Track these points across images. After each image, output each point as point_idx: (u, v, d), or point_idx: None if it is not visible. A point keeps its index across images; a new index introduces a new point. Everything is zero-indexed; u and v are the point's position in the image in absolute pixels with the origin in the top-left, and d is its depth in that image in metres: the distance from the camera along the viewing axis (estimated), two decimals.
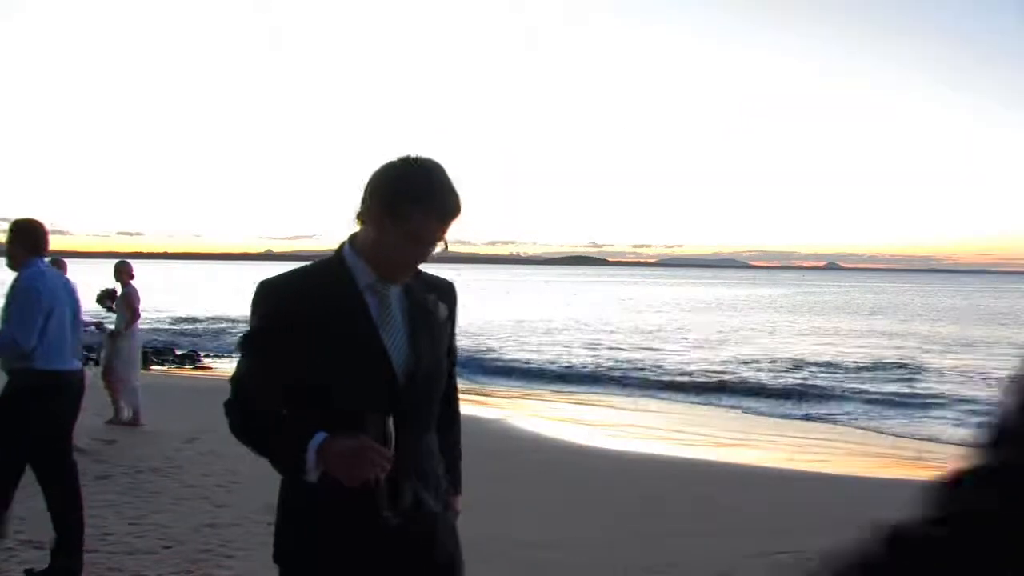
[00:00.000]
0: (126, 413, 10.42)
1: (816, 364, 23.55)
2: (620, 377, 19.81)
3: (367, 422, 2.02)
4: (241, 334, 2.26)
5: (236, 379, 2.22)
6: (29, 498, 6.89)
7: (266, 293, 2.14)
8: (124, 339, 10.36)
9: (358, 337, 2.12)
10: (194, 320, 35.73)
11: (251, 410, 2.19)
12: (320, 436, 2.04)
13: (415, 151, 2.15)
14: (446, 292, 2.33)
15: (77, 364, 5.27)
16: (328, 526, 2.15)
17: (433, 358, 2.22)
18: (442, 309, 2.26)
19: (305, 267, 2.26)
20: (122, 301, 10.38)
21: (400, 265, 2.16)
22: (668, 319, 43.99)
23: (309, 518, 2.18)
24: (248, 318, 2.18)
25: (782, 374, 21.30)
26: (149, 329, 29.36)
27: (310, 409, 2.11)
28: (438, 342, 2.25)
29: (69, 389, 5.14)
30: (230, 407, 2.22)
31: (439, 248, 2.16)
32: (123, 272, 10.53)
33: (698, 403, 16.68)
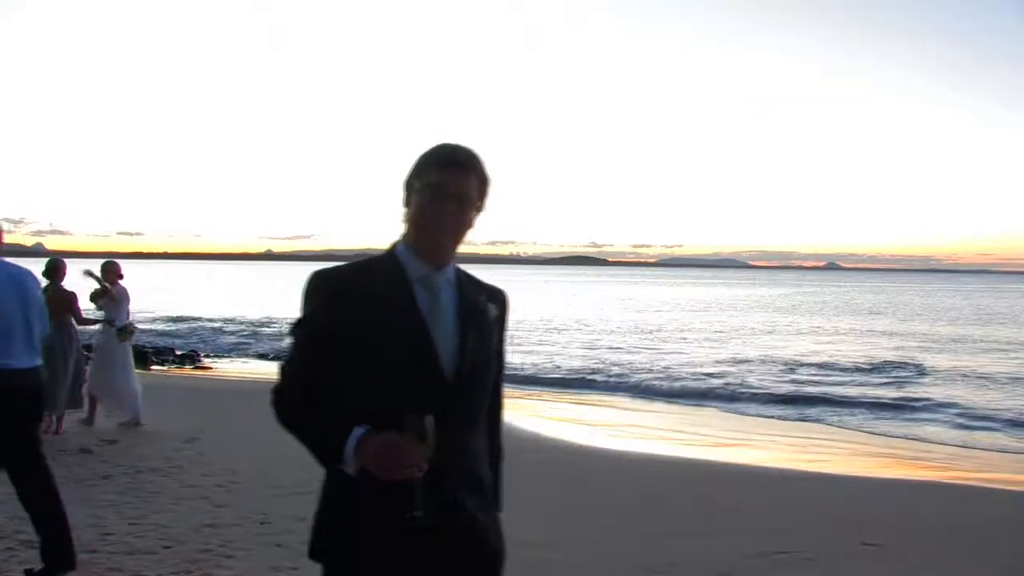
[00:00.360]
0: (126, 416, 10.36)
1: (815, 365, 23.56)
2: (617, 382, 19.61)
3: (406, 419, 2.00)
4: (290, 323, 2.25)
5: (284, 366, 2.23)
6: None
7: (318, 283, 2.18)
8: (110, 339, 10.32)
9: (406, 330, 2.14)
10: (193, 319, 35.70)
11: (296, 398, 2.18)
12: (360, 429, 2.04)
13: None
14: (497, 297, 2.35)
15: (29, 361, 4.87)
16: (365, 521, 2.13)
17: (481, 356, 2.23)
18: (492, 309, 2.28)
19: (358, 261, 2.30)
20: (109, 302, 10.40)
21: (430, 228, 2.19)
22: (667, 319, 44.00)
23: (347, 513, 2.17)
24: (300, 308, 2.18)
25: (781, 375, 21.30)
26: (145, 329, 29.34)
27: (356, 400, 2.12)
28: (486, 341, 2.26)
29: (16, 389, 4.74)
30: (277, 394, 2.21)
31: (469, 210, 2.21)
32: (111, 272, 10.52)
33: (695, 406, 16.65)
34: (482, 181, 2.26)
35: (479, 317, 2.24)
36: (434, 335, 2.15)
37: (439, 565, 2.15)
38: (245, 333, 30.48)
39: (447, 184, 2.17)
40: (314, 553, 2.24)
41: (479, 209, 2.28)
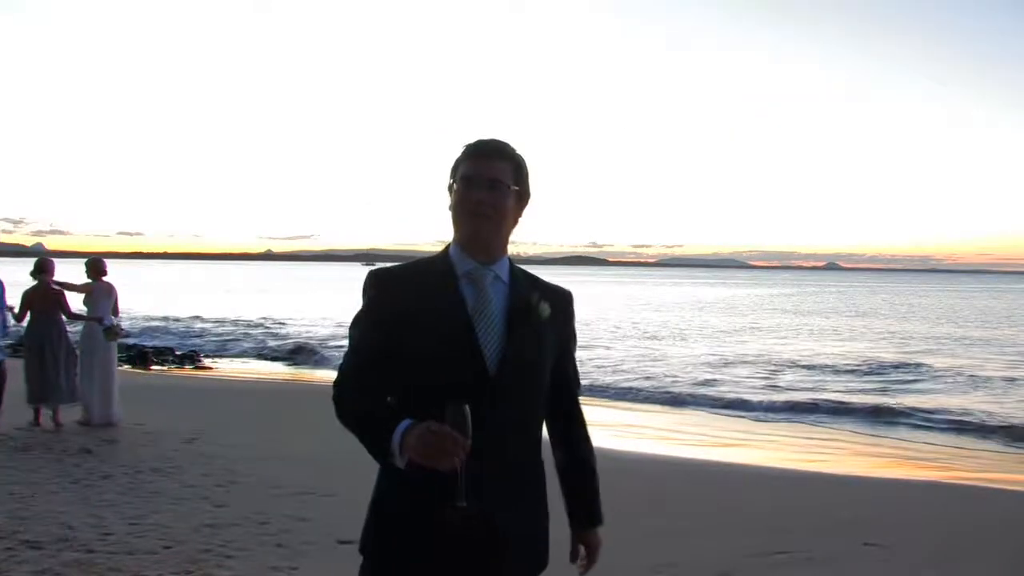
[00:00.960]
0: (94, 412, 10.33)
1: (813, 367, 23.53)
2: (618, 390, 19.24)
3: (447, 408, 2.02)
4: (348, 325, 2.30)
5: (344, 363, 2.28)
6: (30, 497, 6.91)
7: (374, 281, 2.27)
8: (92, 338, 10.31)
9: (451, 323, 2.18)
10: (190, 319, 35.70)
11: (351, 394, 2.23)
12: (407, 422, 2.06)
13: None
14: (557, 297, 2.35)
15: None
16: (407, 516, 2.17)
17: (529, 353, 2.23)
18: (545, 307, 2.27)
19: (414, 260, 2.38)
20: (88, 297, 10.46)
21: (468, 219, 2.23)
22: (666, 320, 43.99)
23: (390, 508, 2.22)
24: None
25: (776, 379, 21.26)
26: (140, 329, 29.36)
27: (407, 393, 2.18)
28: (537, 339, 2.25)
29: None
30: (337, 389, 2.26)
31: (505, 196, 2.23)
32: (94, 270, 10.54)
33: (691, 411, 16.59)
34: (516, 166, 2.28)
35: (530, 315, 2.25)
36: (478, 329, 2.19)
37: (472, 564, 2.16)
38: (241, 332, 30.48)
39: (478, 173, 2.22)
40: (363, 549, 2.30)
41: (521, 196, 2.30)
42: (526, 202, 2.33)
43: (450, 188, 2.28)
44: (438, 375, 2.15)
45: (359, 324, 2.26)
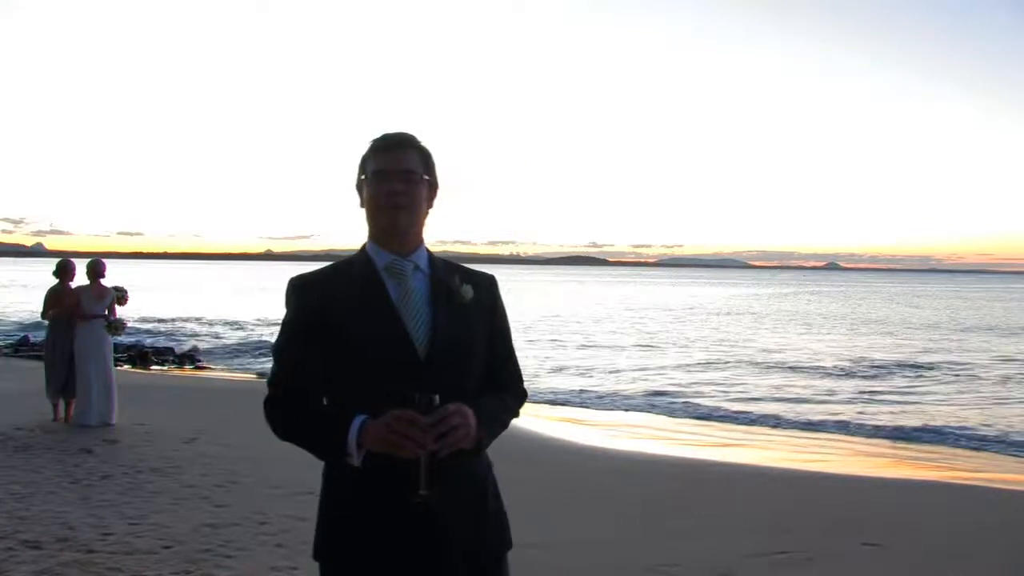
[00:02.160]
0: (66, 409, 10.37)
1: (812, 367, 23.54)
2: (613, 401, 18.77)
3: (413, 398, 2.04)
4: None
5: (272, 375, 2.29)
6: (30, 497, 6.91)
7: (295, 287, 2.28)
8: (91, 335, 10.31)
9: (377, 316, 2.20)
10: (188, 320, 35.70)
11: (288, 403, 2.24)
12: (361, 417, 2.10)
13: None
14: (480, 280, 2.37)
15: None
16: (366, 512, 2.17)
17: (457, 336, 2.24)
18: (467, 290, 2.29)
19: (332, 263, 2.40)
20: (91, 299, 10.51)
21: (381, 211, 2.26)
22: (664, 324, 44.00)
23: (347, 509, 2.21)
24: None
25: (781, 379, 21.27)
26: (139, 329, 29.38)
27: (339, 391, 2.20)
28: (464, 323, 2.26)
29: None
30: (268, 404, 2.26)
31: (419, 186, 2.25)
32: (93, 272, 10.57)
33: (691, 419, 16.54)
34: (424, 155, 2.31)
35: (452, 299, 2.27)
36: (404, 318, 2.21)
37: (433, 553, 2.15)
38: (241, 332, 30.48)
39: (390, 165, 2.25)
40: (317, 555, 2.27)
41: (433, 185, 2.33)
42: (436, 191, 2.36)
43: (359, 185, 2.30)
44: (371, 369, 2.16)
45: (283, 333, 2.27)
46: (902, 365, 23.51)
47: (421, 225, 2.32)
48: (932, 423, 14.46)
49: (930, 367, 23.28)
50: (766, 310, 55.03)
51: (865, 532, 6.65)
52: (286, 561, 5.48)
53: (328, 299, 2.22)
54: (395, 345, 2.18)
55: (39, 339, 17.47)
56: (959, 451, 12.28)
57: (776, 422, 14.36)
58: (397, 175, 2.24)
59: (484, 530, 2.26)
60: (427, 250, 2.34)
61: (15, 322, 31.36)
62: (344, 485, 2.20)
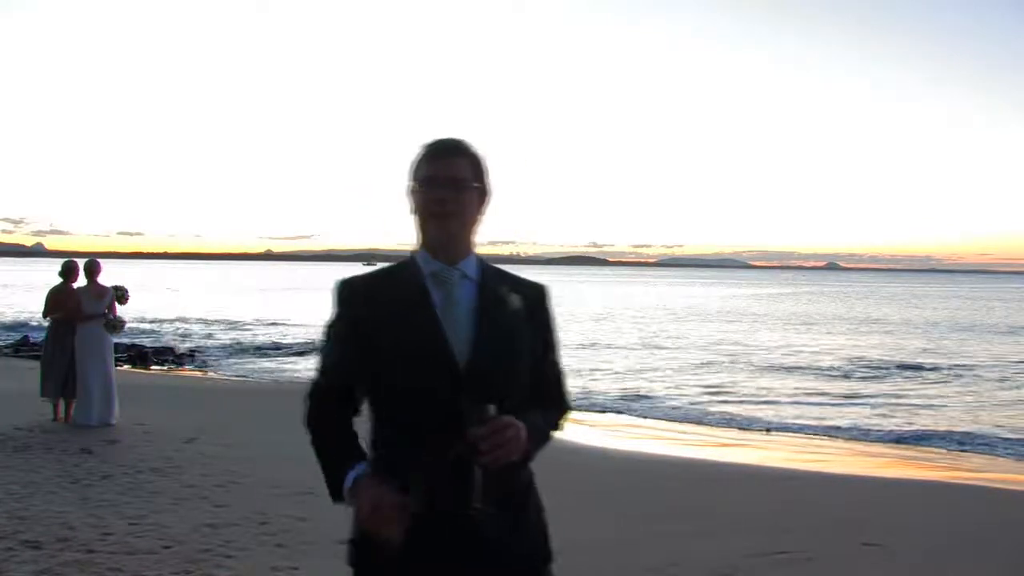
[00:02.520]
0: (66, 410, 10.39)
1: (812, 368, 23.55)
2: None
3: (465, 408, 2.02)
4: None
5: (315, 371, 2.30)
6: (30, 497, 6.91)
7: (341, 289, 2.28)
8: (89, 335, 10.31)
9: (419, 325, 2.17)
10: (187, 320, 35.70)
11: (316, 414, 2.26)
12: (359, 468, 2.11)
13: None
14: (529, 291, 2.32)
15: None
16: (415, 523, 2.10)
17: (500, 349, 2.20)
18: (514, 300, 2.25)
19: (382, 267, 2.39)
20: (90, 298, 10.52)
21: (433, 220, 2.22)
22: (664, 325, 43.99)
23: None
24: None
25: (778, 381, 21.28)
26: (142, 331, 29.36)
27: (384, 398, 2.20)
28: (508, 334, 2.22)
29: None
30: (308, 399, 2.28)
31: (468, 194, 2.21)
32: (90, 271, 10.57)
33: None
34: (475, 162, 2.27)
35: (499, 309, 2.23)
36: (446, 328, 2.18)
37: (474, 566, 2.14)
38: (239, 333, 30.49)
39: (439, 172, 2.21)
40: (352, 561, 2.22)
41: (483, 192, 2.28)
42: (488, 199, 2.31)
43: (410, 191, 2.27)
44: (410, 377, 2.15)
45: (328, 334, 2.28)
46: (902, 366, 23.51)
47: (471, 233, 2.28)
48: (932, 424, 14.49)
49: (930, 368, 23.28)
50: (766, 310, 55.01)
51: (865, 532, 6.65)
52: (286, 561, 5.48)
53: (372, 303, 2.22)
54: (435, 354, 2.16)
55: (39, 339, 17.47)
56: (959, 451, 12.28)
57: (776, 424, 14.37)
58: (446, 182, 2.20)
59: (524, 541, 2.24)
60: (478, 258, 2.30)
61: (15, 322, 31.37)
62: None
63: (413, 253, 2.29)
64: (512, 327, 2.23)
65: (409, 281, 2.24)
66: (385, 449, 2.21)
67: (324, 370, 2.28)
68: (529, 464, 2.25)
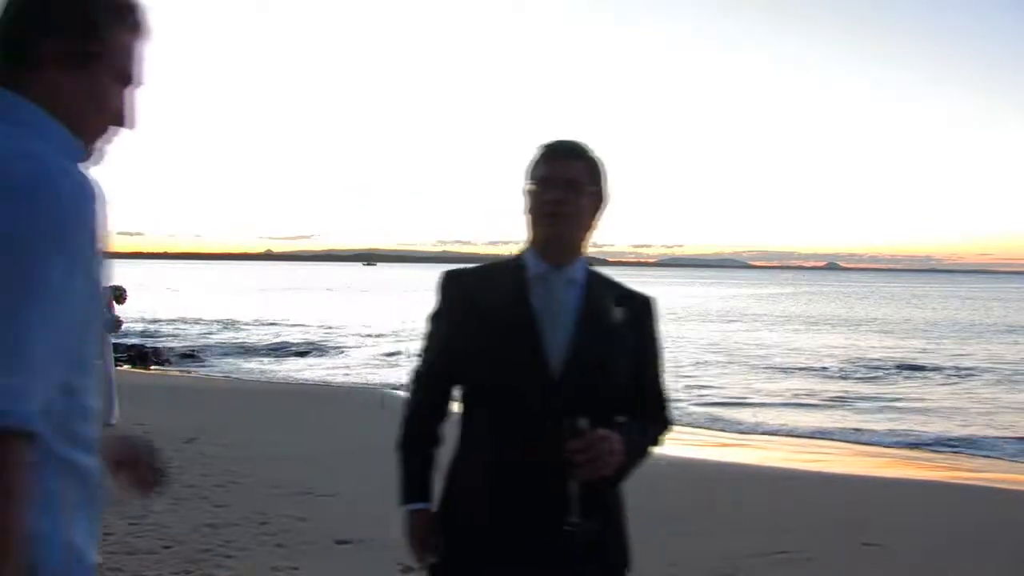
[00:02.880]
0: None
1: (811, 368, 23.55)
2: None
3: (563, 422, 2.00)
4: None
5: (418, 361, 2.35)
6: None
7: (446, 281, 2.29)
8: None
9: (517, 326, 2.17)
10: (187, 321, 35.70)
11: (411, 412, 2.33)
12: (420, 505, 2.25)
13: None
14: (636, 302, 2.29)
15: None
16: (499, 530, 2.14)
17: (597, 358, 2.17)
18: (618, 311, 2.21)
19: (491, 262, 2.40)
20: None
21: (540, 220, 2.20)
22: (664, 325, 44.03)
23: (479, 518, 2.19)
24: None
25: (782, 382, 21.28)
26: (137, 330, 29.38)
27: (476, 395, 2.22)
28: (608, 344, 2.19)
29: None
30: (409, 390, 2.38)
31: (581, 197, 2.18)
32: None
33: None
34: (592, 167, 2.23)
35: (601, 318, 2.19)
36: (544, 332, 2.16)
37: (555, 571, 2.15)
38: (239, 333, 30.48)
39: (554, 174, 2.18)
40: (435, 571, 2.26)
41: (598, 196, 2.25)
42: (604, 204, 2.27)
43: (526, 191, 2.23)
44: (501, 376, 2.16)
45: (431, 323, 2.31)
46: (901, 366, 23.52)
47: (582, 237, 2.24)
48: (932, 424, 14.50)
49: (930, 368, 23.29)
50: (765, 310, 55.00)
51: (865, 532, 6.64)
52: (286, 561, 5.48)
53: (472, 298, 2.22)
54: (528, 358, 2.15)
55: None
56: (959, 452, 12.28)
57: (775, 427, 14.37)
58: (559, 184, 2.17)
59: (610, 551, 2.24)
60: (587, 264, 2.27)
61: None
62: (476, 496, 2.19)
63: (522, 252, 2.27)
64: (612, 336, 2.20)
65: (513, 280, 2.22)
66: (470, 448, 2.22)
67: (424, 362, 2.32)
68: (624, 479, 2.23)
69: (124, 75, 1.47)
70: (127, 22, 1.46)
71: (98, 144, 1.48)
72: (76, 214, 1.27)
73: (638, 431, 2.23)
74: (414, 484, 2.27)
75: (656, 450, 2.35)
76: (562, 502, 2.03)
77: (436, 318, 2.29)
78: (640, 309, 2.28)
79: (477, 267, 2.38)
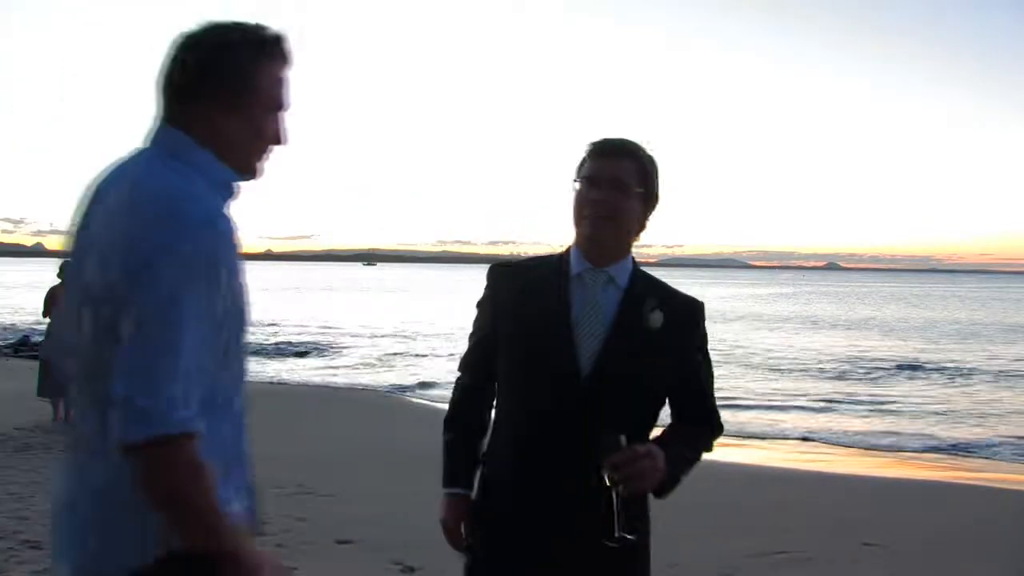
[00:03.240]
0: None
1: (811, 368, 23.51)
2: None
3: (602, 436, 1.99)
4: None
5: (467, 345, 2.38)
6: (30, 497, 6.91)
7: (491, 272, 2.31)
8: None
9: (551, 325, 2.15)
10: None
11: (455, 402, 2.38)
12: (456, 490, 2.28)
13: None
14: (681, 306, 2.23)
15: None
16: (521, 529, 2.15)
17: (630, 363, 2.12)
18: (657, 316, 2.16)
19: (536, 256, 2.39)
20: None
21: (586, 219, 2.16)
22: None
23: (504, 529, 2.20)
24: None
25: (781, 381, 21.27)
26: None
27: (510, 389, 2.22)
28: (643, 349, 2.14)
29: None
30: (457, 377, 2.42)
31: (627, 197, 2.15)
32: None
33: None
34: (641, 166, 2.18)
35: (638, 321, 2.15)
36: (578, 332, 2.14)
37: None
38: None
39: (600, 172, 2.15)
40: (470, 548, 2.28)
41: (647, 198, 2.20)
42: (654, 205, 2.23)
43: (573, 188, 2.21)
44: (531, 373, 2.15)
45: (477, 310, 2.34)
46: (901, 366, 23.49)
47: (628, 238, 2.20)
48: (933, 424, 14.49)
49: (930, 368, 23.28)
50: (765, 310, 54.99)
51: (865, 532, 6.64)
52: (286, 561, 5.45)
53: (514, 292, 2.22)
54: (559, 359, 2.12)
55: (39, 339, 17.47)
56: (959, 451, 12.28)
57: (775, 426, 14.38)
58: (605, 183, 2.13)
59: (620, 558, 2.20)
60: (633, 265, 2.23)
61: (14, 322, 31.36)
62: (502, 490, 2.22)
63: (568, 249, 2.24)
64: (649, 343, 2.15)
65: (554, 277, 2.20)
66: (498, 439, 2.25)
67: (468, 348, 2.36)
68: (667, 494, 2.21)
69: (275, 104, 1.73)
70: (274, 57, 1.72)
71: (260, 165, 1.77)
72: (224, 250, 1.56)
73: (684, 442, 2.22)
74: (451, 469, 2.30)
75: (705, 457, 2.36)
76: (599, 516, 2.00)
77: (481, 306, 2.32)
78: (685, 313, 2.23)
79: (524, 260, 2.38)
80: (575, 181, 2.19)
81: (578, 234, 2.20)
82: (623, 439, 1.98)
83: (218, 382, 1.61)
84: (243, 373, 1.73)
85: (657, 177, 2.21)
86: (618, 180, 2.14)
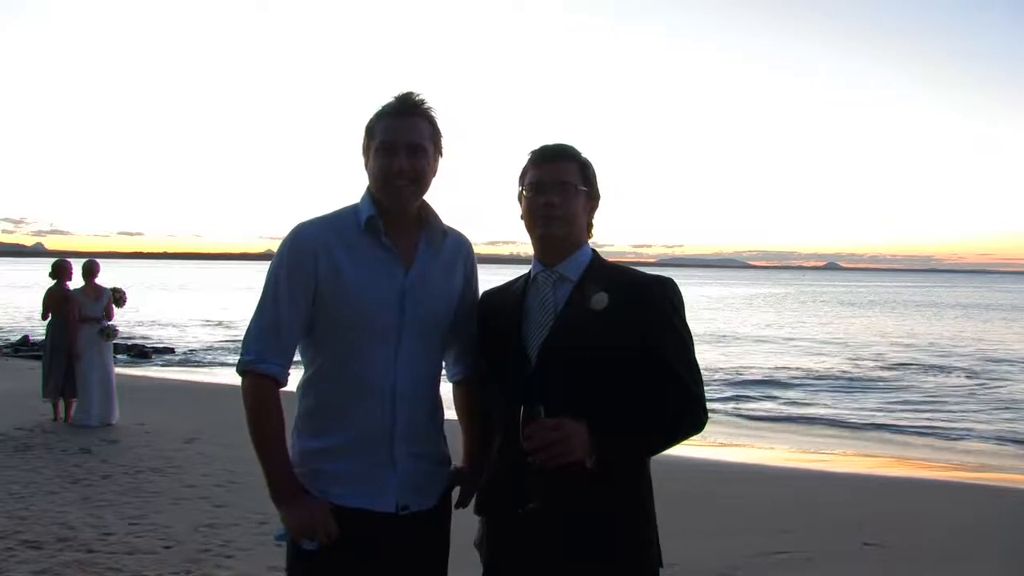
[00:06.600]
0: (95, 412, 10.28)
1: (810, 368, 23.53)
2: None
3: (522, 411, 2.08)
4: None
5: None
6: (30, 497, 6.92)
7: (480, 300, 2.48)
8: (88, 339, 10.27)
9: (505, 328, 2.31)
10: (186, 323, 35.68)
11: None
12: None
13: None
14: (634, 288, 2.23)
15: None
16: (490, 518, 2.36)
17: (571, 348, 2.18)
18: (601, 297, 2.19)
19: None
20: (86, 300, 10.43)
21: (535, 223, 2.29)
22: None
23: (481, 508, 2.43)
24: None
25: (781, 381, 21.28)
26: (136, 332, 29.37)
27: (490, 379, 2.40)
28: (586, 333, 2.18)
29: None
30: None
31: (573, 198, 2.26)
32: (88, 272, 10.52)
33: None
34: (582, 167, 2.31)
35: (580, 310, 2.22)
36: (525, 328, 2.27)
37: (538, 565, 2.22)
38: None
39: (545, 177, 2.26)
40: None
41: (590, 196, 2.32)
42: (596, 202, 2.35)
43: (520, 196, 2.33)
44: (497, 373, 2.33)
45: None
46: (901, 366, 23.53)
47: (577, 236, 2.31)
48: (930, 425, 14.50)
49: (930, 368, 23.30)
50: (763, 310, 55.00)
51: (865, 532, 6.64)
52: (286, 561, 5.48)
53: (492, 301, 2.42)
54: (511, 354, 2.27)
55: (39, 339, 17.49)
56: (959, 451, 12.28)
57: (775, 428, 14.39)
58: (552, 187, 2.25)
59: (604, 547, 2.20)
60: (590, 260, 2.30)
61: (15, 322, 31.37)
62: (488, 482, 2.38)
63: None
64: (593, 327, 2.18)
65: (518, 283, 2.39)
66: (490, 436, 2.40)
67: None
68: (611, 469, 2.17)
69: (386, 147, 2.26)
70: (385, 113, 2.31)
71: (393, 195, 2.27)
72: (293, 250, 2.36)
73: (634, 421, 2.20)
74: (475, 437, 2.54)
75: (678, 440, 2.39)
76: (519, 488, 2.15)
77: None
78: (639, 291, 2.23)
79: (509, 281, 2.49)
80: (522, 190, 2.31)
81: (532, 239, 2.33)
82: (541, 411, 2.05)
83: (320, 352, 2.29)
84: (353, 352, 2.25)
85: (595, 176, 2.35)
86: (563, 182, 2.25)
